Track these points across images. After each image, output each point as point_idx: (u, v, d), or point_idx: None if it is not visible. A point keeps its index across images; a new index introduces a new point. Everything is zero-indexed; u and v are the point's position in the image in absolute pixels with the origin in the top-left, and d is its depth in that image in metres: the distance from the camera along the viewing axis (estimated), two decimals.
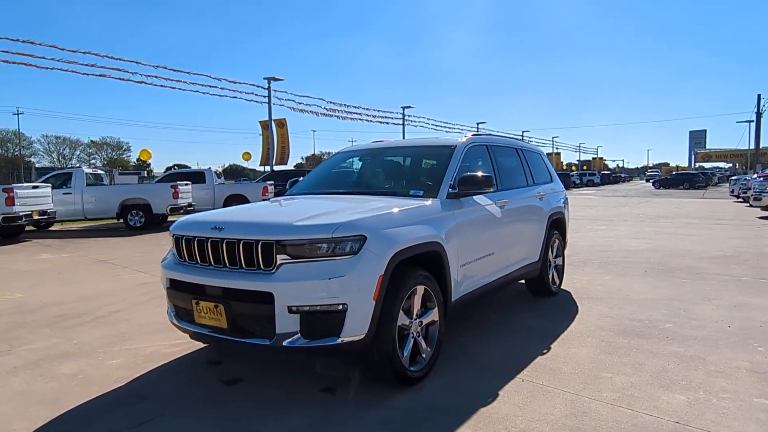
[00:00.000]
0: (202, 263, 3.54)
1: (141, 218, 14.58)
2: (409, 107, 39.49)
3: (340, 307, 3.15)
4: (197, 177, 16.94)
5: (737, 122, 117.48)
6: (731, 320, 5.00)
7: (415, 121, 40.72)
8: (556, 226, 6.16)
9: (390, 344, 3.34)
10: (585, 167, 70.48)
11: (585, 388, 3.49)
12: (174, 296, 3.71)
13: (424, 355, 3.66)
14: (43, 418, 3.21)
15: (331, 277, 3.15)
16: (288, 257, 3.22)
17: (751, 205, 18.42)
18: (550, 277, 5.99)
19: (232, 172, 72.61)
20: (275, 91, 26.88)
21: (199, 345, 4.48)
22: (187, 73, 24.74)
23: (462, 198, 4.27)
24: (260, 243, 3.26)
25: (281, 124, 29.37)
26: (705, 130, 78.79)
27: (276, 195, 18.13)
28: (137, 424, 3.11)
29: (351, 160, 5.33)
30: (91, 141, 68.26)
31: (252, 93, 26.45)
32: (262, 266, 3.27)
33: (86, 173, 15.04)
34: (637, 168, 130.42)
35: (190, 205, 15.38)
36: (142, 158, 30.11)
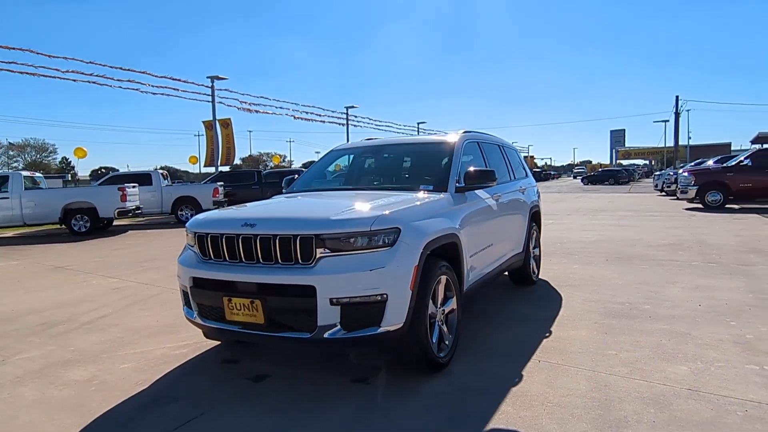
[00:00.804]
0: (231, 260, 3.53)
1: (86, 223, 13.85)
2: (352, 107, 39.66)
3: (381, 297, 3.25)
4: (143, 179, 16.27)
5: (654, 122, 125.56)
6: (699, 300, 5.50)
7: (359, 122, 40.93)
8: (535, 218, 6.50)
9: (423, 332, 3.48)
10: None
11: (597, 365, 3.78)
12: (199, 295, 3.67)
13: (447, 342, 3.82)
14: (76, 425, 3.11)
15: (372, 268, 3.25)
16: (327, 251, 3.28)
17: (678, 198, 19.88)
18: (531, 267, 6.32)
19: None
20: (219, 90, 26.22)
21: (209, 345, 4.43)
22: (118, 69, 23.63)
23: (467, 192, 4.47)
24: (299, 238, 3.30)
25: (226, 124, 28.64)
26: (624, 130, 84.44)
27: (227, 197, 17.72)
28: (183, 422, 3.08)
29: (349, 157, 5.41)
30: (10, 143, 63.44)
31: (195, 92, 25.68)
32: (300, 260, 3.31)
33: (24, 176, 14.09)
34: (563, 165, 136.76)
35: (138, 208, 14.79)
36: (77, 156, 28.35)
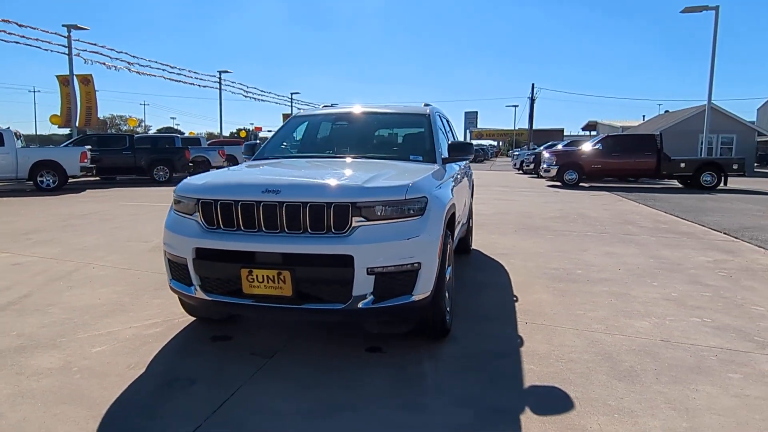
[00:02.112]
0: (247, 229, 3.28)
1: None
2: (226, 72, 37.17)
3: (415, 265, 3.27)
4: None
5: (506, 106, 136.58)
6: (615, 265, 6.28)
7: (232, 87, 38.63)
8: (472, 190, 6.87)
9: (443, 299, 3.58)
10: None
11: (576, 324, 4.19)
12: (205, 267, 3.35)
13: (449, 308, 3.97)
14: (92, 417, 2.72)
15: (408, 237, 3.25)
16: (363, 219, 3.20)
17: (539, 176, 22.07)
18: (471, 236, 6.69)
19: None
20: (77, 41, 22.83)
21: (182, 323, 4.09)
22: None
23: (448, 163, 4.61)
24: (333, 206, 3.18)
25: (86, 80, 25.08)
26: (477, 112, 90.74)
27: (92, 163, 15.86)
28: (221, 402, 2.86)
29: (319, 124, 5.22)
30: None
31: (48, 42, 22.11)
32: (333, 229, 3.19)
33: None
34: None
35: None
36: None
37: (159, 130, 70.49)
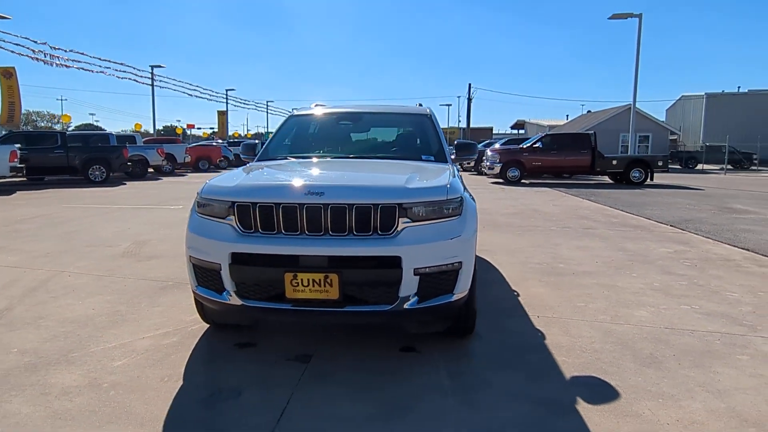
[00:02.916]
0: (289, 232, 3.20)
1: None
2: (159, 66, 35.28)
3: (456, 265, 3.32)
4: None
5: (440, 105, 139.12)
6: (591, 258, 6.63)
7: (166, 83, 36.79)
8: None
9: (475, 298, 3.66)
10: None
11: (583, 315, 4.40)
12: (243, 272, 3.23)
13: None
14: None
15: (452, 237, 3.29)
16: (408, 220, 3.21)
17: (482, 173, 22.74)
18: None
19: None
20: None
21: (196, 332, 3.93)
22: None
23: (456, 163, 4.70)
24: (380, 207, 3.16)
25: (8, 73, 22.85)
26: None
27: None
28: (281, 410, 2.78)
29: (326, 123, 5.13)
30: None
31: None
32: (379, 231, 3.18)
33: None
34: None
35: None
36: None
37: (78, 127, 66.05)
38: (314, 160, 4.42)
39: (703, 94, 46.32)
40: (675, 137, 43.30)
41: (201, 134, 69.30)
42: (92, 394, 2.96)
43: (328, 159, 4.43)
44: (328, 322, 3.81)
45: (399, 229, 3.19)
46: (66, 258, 6.29)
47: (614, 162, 19.42)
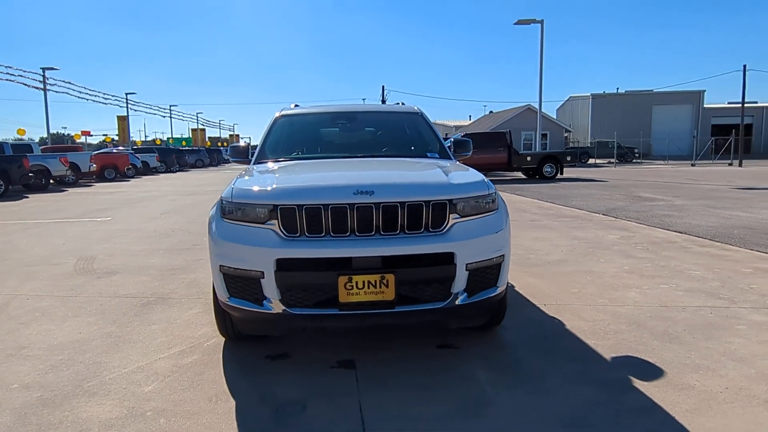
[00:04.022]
0: (337, 234, 3.07)
1: None
2: (52, 68, 31.83)
3: (499, 258, 3.36)
4: None
5: None
6: (553, 247, 6.98)
7: (59, 86, 33.41)
8: None
9: (507, 289, 3.71)
10: (219, 143, 71.52)
11: (584, 301, 4.63)
12: (293, 279, 3.05)
13: None
14: None
15: (496, 230, 3.33)
16: (457, 216, 3.20)
17: None
18: None
19: None
20: None
21: (216, 346, 3.66)
22: None
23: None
24: (431, 204, 3.12)
25: None
26: None
27: None
28: (359, 422, 2.66)
29: (321, 123, 4.95)
30: None
31: None
32: (429, 228, 3.14)
33: None
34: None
35: None
36: None
37: None
38: (326, 160, 4.26)
39: (589, 94, 50.37)
40: (568, 134, 46.73)
41: (98, 142, 64.16)
42: (141, 425, 2.65)
43: (340, 159, 4.28)
44: (379, 323, 3.70)
45: (449, 225, 3.18)
46: (10, 281, 5.57)
47: (528, 158, 20.56)
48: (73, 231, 9.11)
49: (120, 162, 25.14)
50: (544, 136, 40.58)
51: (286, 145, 4.64)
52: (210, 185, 21.04)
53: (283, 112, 4.99)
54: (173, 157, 34.27)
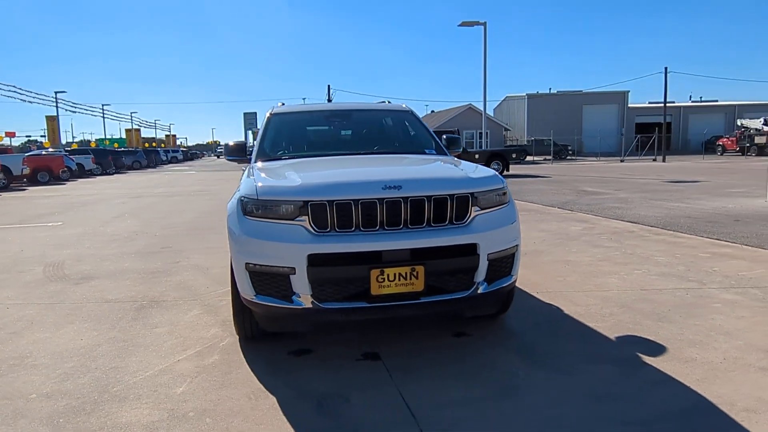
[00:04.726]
0: (367, 228, 3.14)
1: None
2: None
3: (514, 248, 3.54)
4: None
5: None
6: (528, 239, 7.21)
7: None
8: None
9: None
10: (155, 144, 68.73)
11: (571, 288, 4.90)
12: (325, 274, 3.08)
13: None
14: None
15: (512, 222, 3.51)
16: (478, 209, 3.35)
17: None
18: None
19: None
20: None
21: (232, 344, 3.63)
22: None
23: None
24: (455, 197, 3.25)
25: None
26: (256, 113, 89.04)
27: None
28: (406, 410, 2.75)
29: (316, 121, 4.95)
30: None
31: None
32: (453, 220, 3.26)
33: None
34: (200, 144, 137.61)
35: None
36: None
37: None
38: (334, 157, 4.28)
39: (524, 94, 52.28)
40: (506, 133, 48.29)
41: (20, 144, 59.98)
42: (187, 426, 2.62)
43: (346, 156, 4.33)
44: (406, 314, 3.77)
45: (471, 217, 3.32)
46: None
47: (477, 156, 21.13)
48: (26, 237, 8.60)
49: (54, 164, 23.70)
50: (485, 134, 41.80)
51: (287, 143, 4.64)
52: (156, 187, 20.28)
53: (276, 111, 4.96)
54: (109, 158, 32.70)
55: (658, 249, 6.48)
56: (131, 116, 68.78)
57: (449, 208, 3.24)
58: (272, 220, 3.18)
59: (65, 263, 6.38)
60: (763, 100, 54.76)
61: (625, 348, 3.50)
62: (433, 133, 4.89)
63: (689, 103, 58.91)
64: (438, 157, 4.32)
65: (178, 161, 57.36)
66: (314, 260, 3.07)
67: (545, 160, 37.93)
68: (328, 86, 42.93)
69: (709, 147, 42.71)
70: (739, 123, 44.11)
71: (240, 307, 3.47)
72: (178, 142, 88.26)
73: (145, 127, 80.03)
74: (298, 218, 3.13)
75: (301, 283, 3.10)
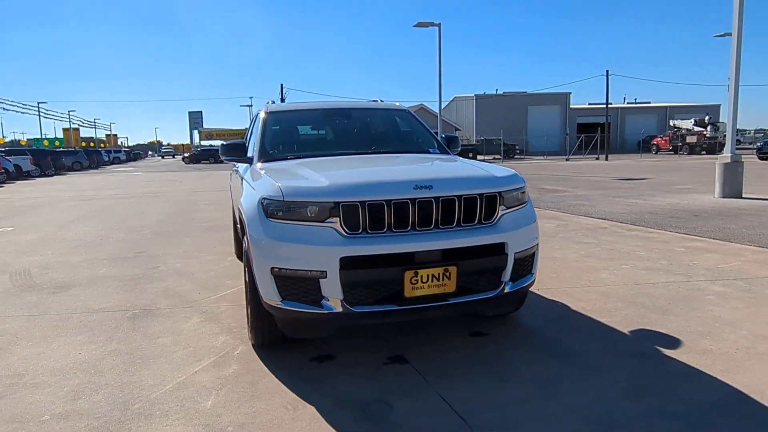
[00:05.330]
0: (398, 229, 3.07)
1: None
2: None
3: (536, 247, 3.57)
4: None
5: (241, 106, 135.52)
6: None
7: None
8: None
9: None
10: (93, 144, 65.34)
11: (568, 284, 4.99)
12: (358, 277, 2.99)
13: None
14: None
15: (534, 220, 3.53)
16: (504, 208, 3.34)
17: None
18: None
19: None
20: None
21: (246, 353, 3.48)
22: None
23: None
24: (484, 197, 3.23)
25: None
26: (201, 111, 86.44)
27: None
28: (452, 414, 2.70)
29: (316, 120, 4.80)
30: None
31: None
32: (482, 220, 3.24)
33: None
34: (141, 144, 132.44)
35: None
36: None
37: None
38: (347, 157, 4.15)
39: (473, 95, 53.29)
40: (457, 133, 49.03)
41: None
42: None
43: (357, 155, 4.22)
44: (437, 315, 3.71)
45: (498, 216, 3.31)
46: None
47: None
48: None
49: None
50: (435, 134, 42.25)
51: (289, 143, 4.50)
52: (104, 190, 19.32)
53: (271, 109, 4.79)
54: (48, 159, 30.83)
55: (636, 244, 6.72)
56: (69, 115, 65.30)
57: (479, 207, 3.22)
58: (299, 222, 3.06)
59: (32, 271, 5.95)
60: (692, 101, 58.19)
61: (643, 342, 3.58)
62: (432, 132, 4.86)
63: (625, 105, 61.79)
64: (451, 156, 4.30)
65: (121, 162, 55.16)
66: (347, 263, 2.97)
67: (495, 159, 38.76)
68: (281, 85, 42.32)
69: (644, 146, 44.93)
70: (671, 123, 46.69)
71: (259, 314, 3.32)
72: (119, 142, 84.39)
73: (84, 126, 76.12)
74: (328, 220, 3.02)
75: (331, 287, 3.00)
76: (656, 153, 44.29)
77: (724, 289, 4.71)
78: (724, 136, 38.74)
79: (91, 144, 61.14)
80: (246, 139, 5.87)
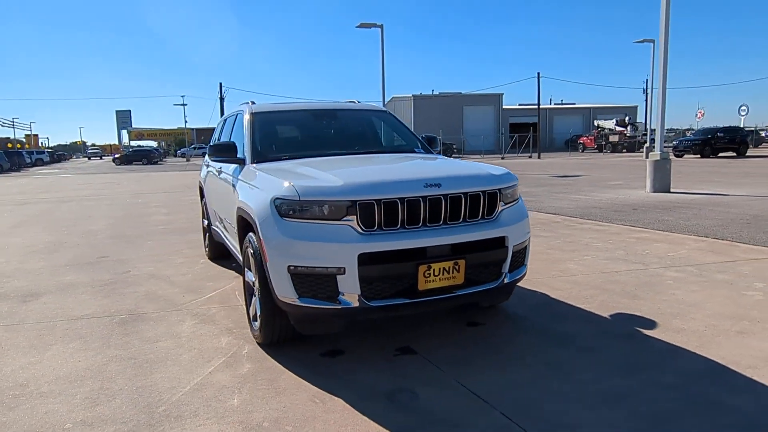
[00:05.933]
0: (411, 226, 3.21)
1: None
2: None
3: (528, 241, 3.82)
4: None
5: (174, 105, 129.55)
6: None
7: None
8: None
9: None
10: (10, 145, 60.67)
11: (541, 276, 5.31)
12: (375, 272, 3.10)
13: None
14: None
15: (526, 216, 3.77)
16: (503, 204, 3.56)
17: None
18: None
19: None
20: None
21: (256, 352, 3.52)
22: None
23: None
24: (487, 194, 3.43)
25: None
26: (130, 110, 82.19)
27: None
28: (476, 396, 2.88)
29: (301, 121, 4.82)
30: None
31: None
32: (485, 215, 3.44)
33: None
34: (62, 145, 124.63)
35: None
36: None
37: None
38: (343, 157, 4.23)
39: (410, 96, 54.07)
40: None
41: None
42: None
43: (352, 155, 4.31)
44: (445, 307, 3.85)
45: (499, 212, 3.52)
46: None
47: None
48: None
49: None
50: None
51: (280, 143, 4.52)
52: (37, 193, 18.19)
53: (257, 110, 4.79)
54: None
55: (591, 237, 7.19)
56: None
57: (482, 203, 3.42)
58: (317, 220, 3.14)
59: None
60: (614, 103, 61.81)
61: (623, 324, 3.91)
62: (413, 132, 5.03)
63: (553, 105, 64.72)
64: (441, 156, 4.49)
65: (44, 164, 51.75)
66: (365, 259, 3.09)
67: None
68: (220, 84, 41.18)
69: (571, 145, 47.32)
70: (596, 123, 49.44)
71: (272, 312, 3.37)
72: (40, 143, 78.94)
73: (1, 126, 70.71)
74: (345, 218, 3.12)
75: (349, 283, 3.10)
76: (583, 151, 46.74)
77: (679, 274, 5.17)
78: (643, 135, 41.35)
79: (9, 145, 56.88)
80: (216, 140, 5.82)
